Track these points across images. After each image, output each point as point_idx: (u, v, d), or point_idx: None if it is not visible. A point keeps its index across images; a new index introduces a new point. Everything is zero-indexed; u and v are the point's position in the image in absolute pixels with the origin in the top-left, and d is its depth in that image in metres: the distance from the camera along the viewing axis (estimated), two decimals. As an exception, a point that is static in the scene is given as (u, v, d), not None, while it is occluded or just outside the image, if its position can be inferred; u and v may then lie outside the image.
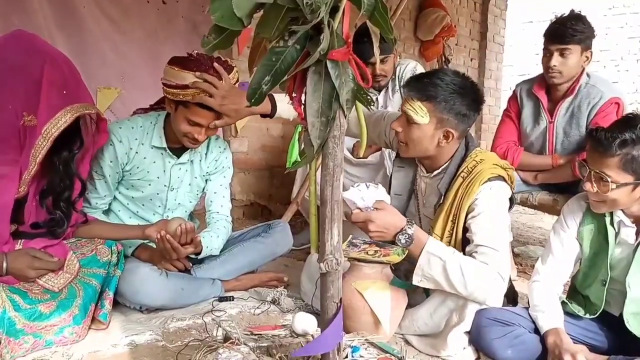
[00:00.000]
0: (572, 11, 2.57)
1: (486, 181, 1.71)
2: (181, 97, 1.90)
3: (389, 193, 1.85)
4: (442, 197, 1.80)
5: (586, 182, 1.59)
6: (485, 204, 1.70)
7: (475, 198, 1.71)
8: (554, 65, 2.50)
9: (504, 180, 1.77)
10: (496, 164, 1.78)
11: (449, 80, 1.71)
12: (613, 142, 1.51)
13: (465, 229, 1.75)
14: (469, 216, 1.73)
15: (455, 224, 1.74)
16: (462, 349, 1.74)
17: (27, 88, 1.60)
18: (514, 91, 2.82)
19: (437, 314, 1.76)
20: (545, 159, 2.66)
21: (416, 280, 1.69)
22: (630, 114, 1.62)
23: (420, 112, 1.70)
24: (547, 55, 2.54)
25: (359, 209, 1.65)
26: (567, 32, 2.47)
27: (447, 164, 1.82)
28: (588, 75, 2.56)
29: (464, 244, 1.76)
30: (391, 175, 2.04)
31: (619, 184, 1.53)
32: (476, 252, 1.67)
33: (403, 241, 1.66)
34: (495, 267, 1.63)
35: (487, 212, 1.69)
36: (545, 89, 2.65)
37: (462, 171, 1.77)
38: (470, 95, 1.74)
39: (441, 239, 1.76)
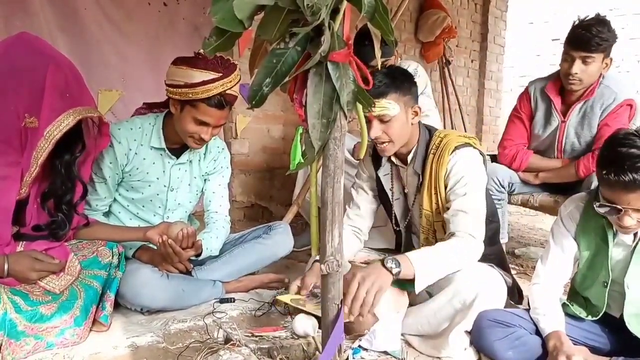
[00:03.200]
0: (597, 14, 2.42)
1: (454, 150, 1.88)
2: (190, 95, 1.92)
3: (387, 200, 2.10)
4: (420, 177, 1.96)
5: (624, 217, 1.49)
6: (459, 173, 1.85)
7: (448, 168, 1.87)
8: (575, 73, 2.40)
9: (471, 146, 1.92)
10: (460, 135, 1.95)
11: (384, 71, 1.87)
12: (635, 174, 1.39)
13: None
14: (448, 187, 1.87)
15: (438, 196, 1.91)
16: (463, 349, 1.74)
17: (30, 90, 1.60)
18: (526, 90, 2.73)
19: (442, 312, 1.76)
20: (555, 162, 2.63)
21: (419, 289, 1.69)
22: (634, 132, 1.47)
23: (390, 107, 1.83)
24: (568, 61, 2.42)
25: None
26: (593, 40, 2.33)
27: (415, 147, 1.97)
28: (602, 75, 2.47)
29: None
30: (381, 186, 2.12)
31: None
32: (449, 219, 1.83)
33: (395, 267, 1.63)
34: (465, 229, 1.78)
35: (462, 181, 1.85)
36: (559, 89, 2.58)
37: (431, 149, 1.94)
38: (405, 74, 1.92)
39: (432, 213, 1.93)
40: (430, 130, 2.00)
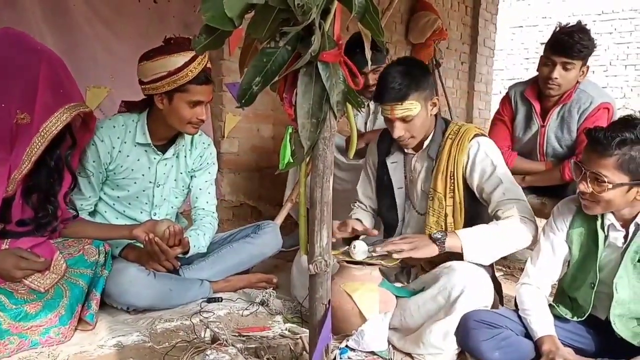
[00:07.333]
0: (579, 22, 2.46)
1: (473, 137, 1.93)
2: (178, 81, 1.93)
3: (390, 188, 2.12)
4: (435, 161, 1.98)
5: (581, 182, 1.57)
6: (486, 162, 1.90)
7: (470, 155, 1.91)
8: (556, 78, 2.42)
9: (486, 137, 1.98)
10: (476, 127, 2.03)
11: (401, 70, 1.89)
12: (612, 141, 1.49)
13: (466, 185, 1.94)
14: (478, 176, 1.90)
15: (455, 180, 1.94)
16: (441, 349, 1.72)
17: (23, 86, 1.60)
18: (507, 94, 2.78)
19: (425, 307, 1.76)
20: (539, 165, 2.65)
21: (470, 259, 1.79)
22: (629, 115, 1.59)
23: (412, 107, 1.87)
24: (549, 66, 2.44)
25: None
26: (575, 46, 2.37)
27: (432, 134, 2.00)
28: (579, 82, 2.52)
29: (465, 198, 1.95)
30: (387, 175, 2.13)
31: (615, 184, 1.52)
32: (499, 209, 1.85)
33: (441, 237, 1.78)
34: (520, 213, 1.82)
35: (490, 170, 1.89)
36: (538, 93, 2.62)
37: (449, 135, 1.98)
38: (420, 67, 1.98)
39: (444, 197, 1.95)
40: (446, 120, 2.06)
